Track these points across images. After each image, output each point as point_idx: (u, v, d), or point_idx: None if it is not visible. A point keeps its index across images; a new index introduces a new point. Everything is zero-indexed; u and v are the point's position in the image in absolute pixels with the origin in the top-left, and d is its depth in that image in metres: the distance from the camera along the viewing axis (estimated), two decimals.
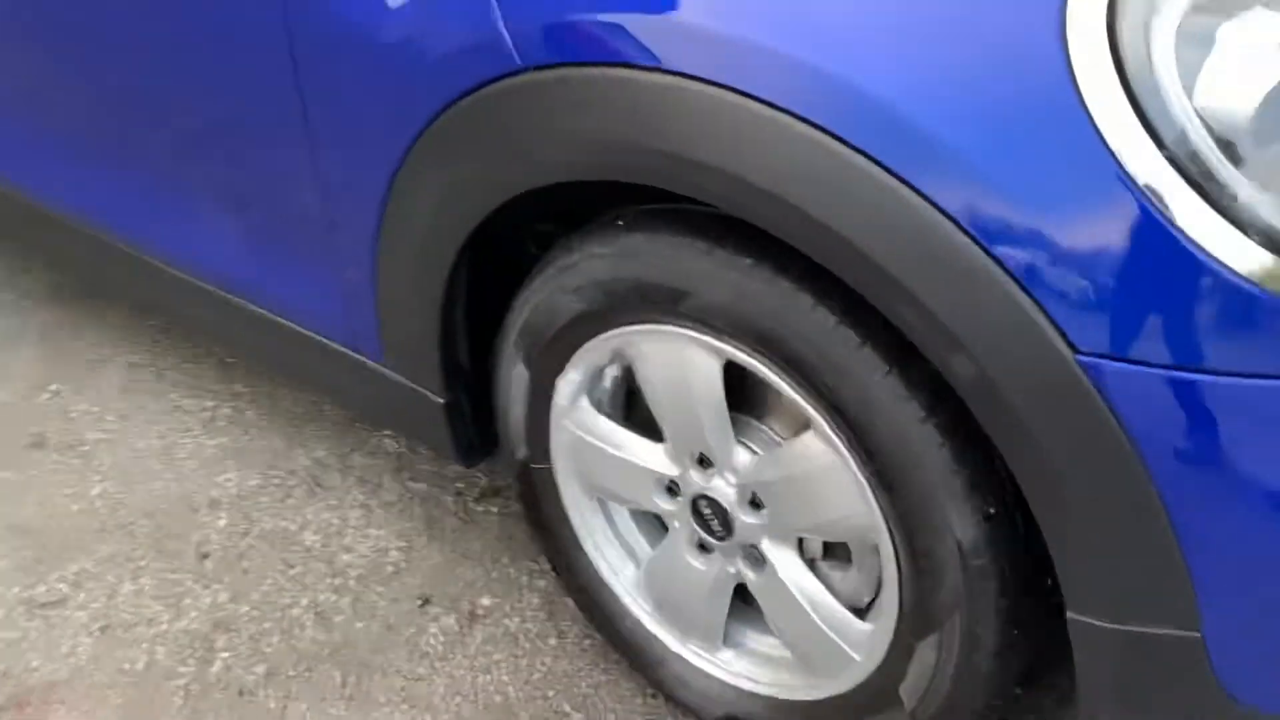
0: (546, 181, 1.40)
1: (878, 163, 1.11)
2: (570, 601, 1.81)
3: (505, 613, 1.88)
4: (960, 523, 1.28)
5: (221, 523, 2.05)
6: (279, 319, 1.88)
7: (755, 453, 1.45)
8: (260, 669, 1.82)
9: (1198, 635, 1.20)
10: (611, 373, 1.56)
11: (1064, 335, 1.09)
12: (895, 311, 1.18)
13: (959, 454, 1.27)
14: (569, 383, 1.56)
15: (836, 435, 1.32)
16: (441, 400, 1.73)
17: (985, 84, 1.09)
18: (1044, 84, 1.06)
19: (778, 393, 1.37)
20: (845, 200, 1.15)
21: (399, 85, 1.45)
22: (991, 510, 1.29)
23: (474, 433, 1.79)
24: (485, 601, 1.91)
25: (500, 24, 1.33)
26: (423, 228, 1.56)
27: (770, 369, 1.34)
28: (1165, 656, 1.23)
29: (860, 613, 1.48)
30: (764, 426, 1.46)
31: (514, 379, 1.60)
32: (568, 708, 1.75)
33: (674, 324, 1.40)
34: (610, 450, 1.57)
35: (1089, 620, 1.25)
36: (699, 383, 1.42)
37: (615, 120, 1.28)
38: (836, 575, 1.49)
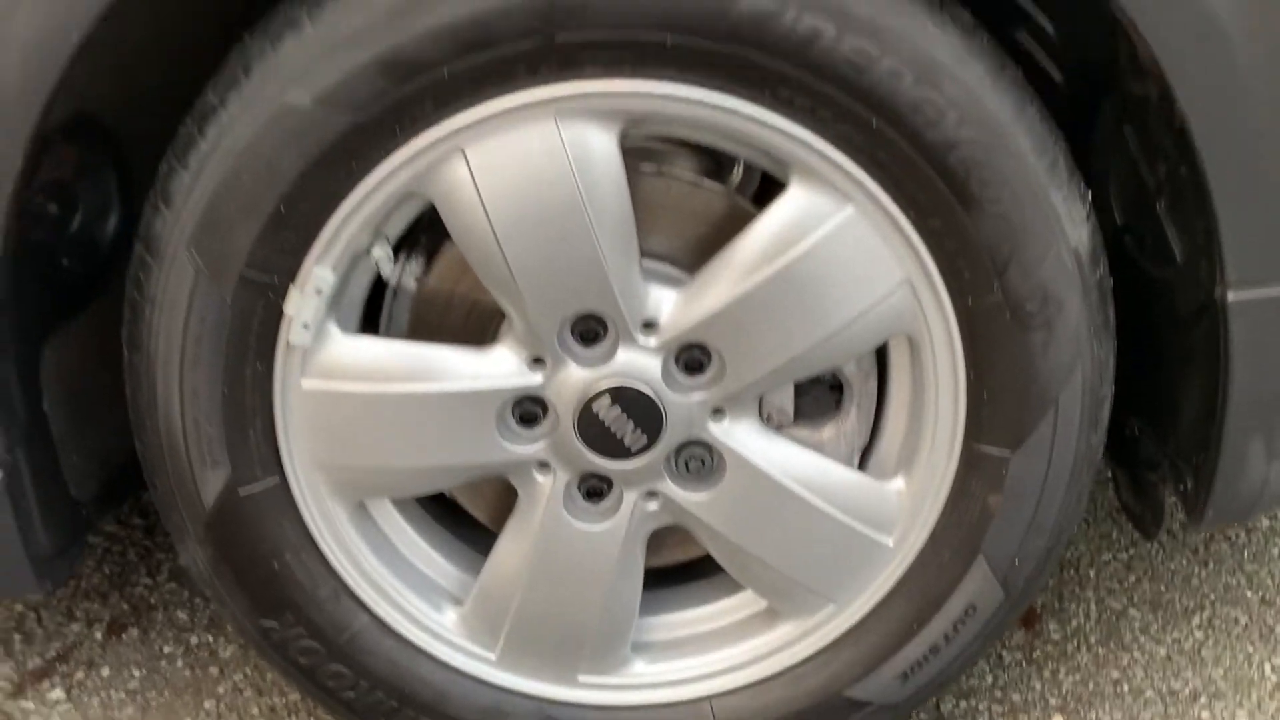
0: None
1: None
2: None
3: None
4: (1072, 223, 0.88)
5: None
6: None
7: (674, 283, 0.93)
8: None
9: None
10: (381, 254, 0.93)
11: None
12: None
13: (1047, 137, 0.88)
14: (310, 296, 0.90)
15: (862, 167, 0.86)
16: None
17: None
18: None
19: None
20: None
21: None
22: (1089, 196, 0.91)
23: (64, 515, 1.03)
24: None
25: None
26: None
27: (740, 103, 0.84)
28: None
29: None
30: (653, 263, 0.93)
31: (191, 337, 0.90)
32: None
33: (538, 86, 0.84)
34: (408, 390, 0.93)
35: (1252, 294, 0.91)
36: (593, 175, 0.87)
37: None
38: (825, 434, 0.99)
